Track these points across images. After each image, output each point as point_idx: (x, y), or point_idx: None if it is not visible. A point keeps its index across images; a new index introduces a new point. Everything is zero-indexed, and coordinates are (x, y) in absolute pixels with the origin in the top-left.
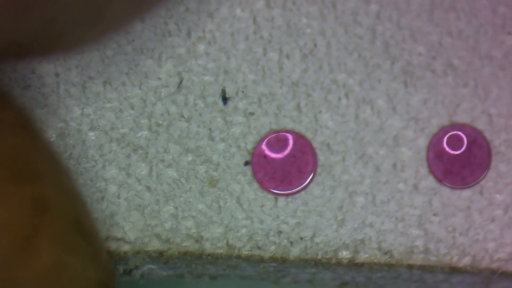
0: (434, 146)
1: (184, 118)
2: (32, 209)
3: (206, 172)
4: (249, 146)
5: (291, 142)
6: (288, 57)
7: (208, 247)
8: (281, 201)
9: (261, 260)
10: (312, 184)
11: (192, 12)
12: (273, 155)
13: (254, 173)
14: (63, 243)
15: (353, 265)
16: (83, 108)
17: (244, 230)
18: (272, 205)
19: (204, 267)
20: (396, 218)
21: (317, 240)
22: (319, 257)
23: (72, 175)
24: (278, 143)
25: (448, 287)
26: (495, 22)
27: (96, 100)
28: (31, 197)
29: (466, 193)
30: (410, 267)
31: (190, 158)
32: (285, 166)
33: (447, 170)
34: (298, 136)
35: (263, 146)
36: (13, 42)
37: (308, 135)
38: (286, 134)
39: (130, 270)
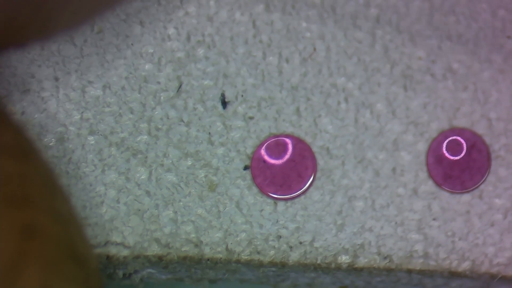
0: (433, 150)
1: (184, 122)
2: (21, 235)
3: (205, 176)
4: (249, 151)
5: (290, 146)
6: (287, 61)
7: (207, 251)
8: (281, 205)
9: (260, 264)
10: (311, 189)
11: (191, 16)
12: (272, 159)
13: (254, 178)
14: (52, 269)
15: (353, 269)
16: (82, 112)
17: (243, 235)
18: (272, 209)
19: (204, 272)
20: (396, 223)
21: (316, 244)
22: (318, 261)
23: (69, 198)
24: (277, 147)
25: None
26: (495, 25)
27: (96, 104)
28: (21, 223)
29: (466, 197)
30: (409, 271)
31: (189, 163)
32: (285, 170)
33: (446, 174)
34: (298, 141)
35: (263, 151)
36: (6, 25)
37: (308, 139)
38: (285, 138)
39: (130, 275)
